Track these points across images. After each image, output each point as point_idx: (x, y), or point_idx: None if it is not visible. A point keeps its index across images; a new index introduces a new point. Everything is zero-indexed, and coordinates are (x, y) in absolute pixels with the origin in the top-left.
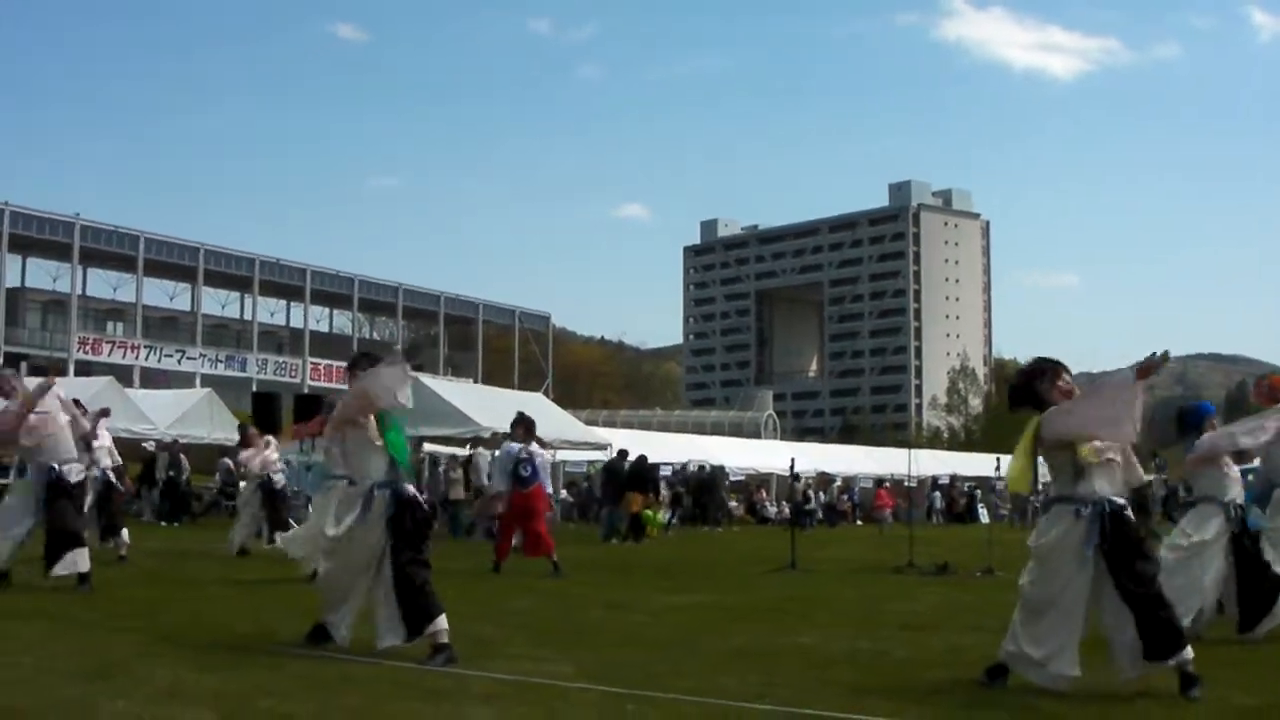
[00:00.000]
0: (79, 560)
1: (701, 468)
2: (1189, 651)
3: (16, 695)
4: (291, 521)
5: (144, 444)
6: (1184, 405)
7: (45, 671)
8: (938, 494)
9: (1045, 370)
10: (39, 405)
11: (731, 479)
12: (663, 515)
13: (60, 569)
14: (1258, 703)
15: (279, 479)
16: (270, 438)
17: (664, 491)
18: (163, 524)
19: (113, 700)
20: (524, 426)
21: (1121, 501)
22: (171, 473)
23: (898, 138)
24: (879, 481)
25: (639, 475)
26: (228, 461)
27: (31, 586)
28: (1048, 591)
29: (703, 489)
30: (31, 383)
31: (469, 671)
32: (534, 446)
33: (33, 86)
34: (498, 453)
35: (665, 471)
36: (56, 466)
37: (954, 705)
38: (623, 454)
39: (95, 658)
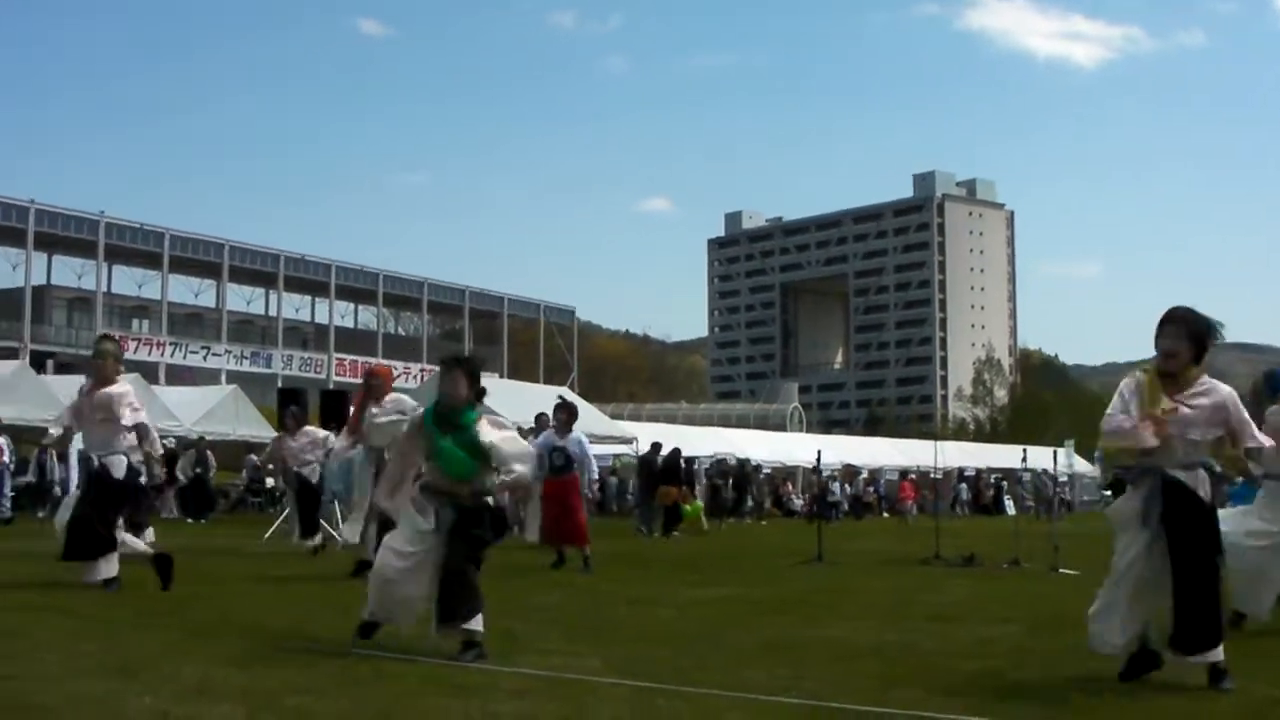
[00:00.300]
0: (104, 568)
1: (736, 461)
2: (1219, 652)
3: (43, 692)
4: (323, 521)
5: (165, 440)
6: (1272, 369)
7: (71, 669)
8: (963, 485)
9: None
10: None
11: (760, 471)
12: (699, 506)
13: (88, 576)
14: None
15: (314, 471)
16: (309, 428)
17: (702, 483)
18: (189, 520)
19: (139, 697)
20: (565, 413)
21: (1178, 476)
22: (198, 469)
23: (921, 128)
24: (903, 474)
25: (672, 468)
26: (254, 458)
27: (57, 583)
28: (1115, 559)
29: (743, 481)
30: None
31: (498, 667)
32: (573, 434)
33: (57, 84)
34: (536, 440)
35: (705, 464)
36: (95, 458)
37: (984, 697)
38: (656, 447)
39: (122, 655)
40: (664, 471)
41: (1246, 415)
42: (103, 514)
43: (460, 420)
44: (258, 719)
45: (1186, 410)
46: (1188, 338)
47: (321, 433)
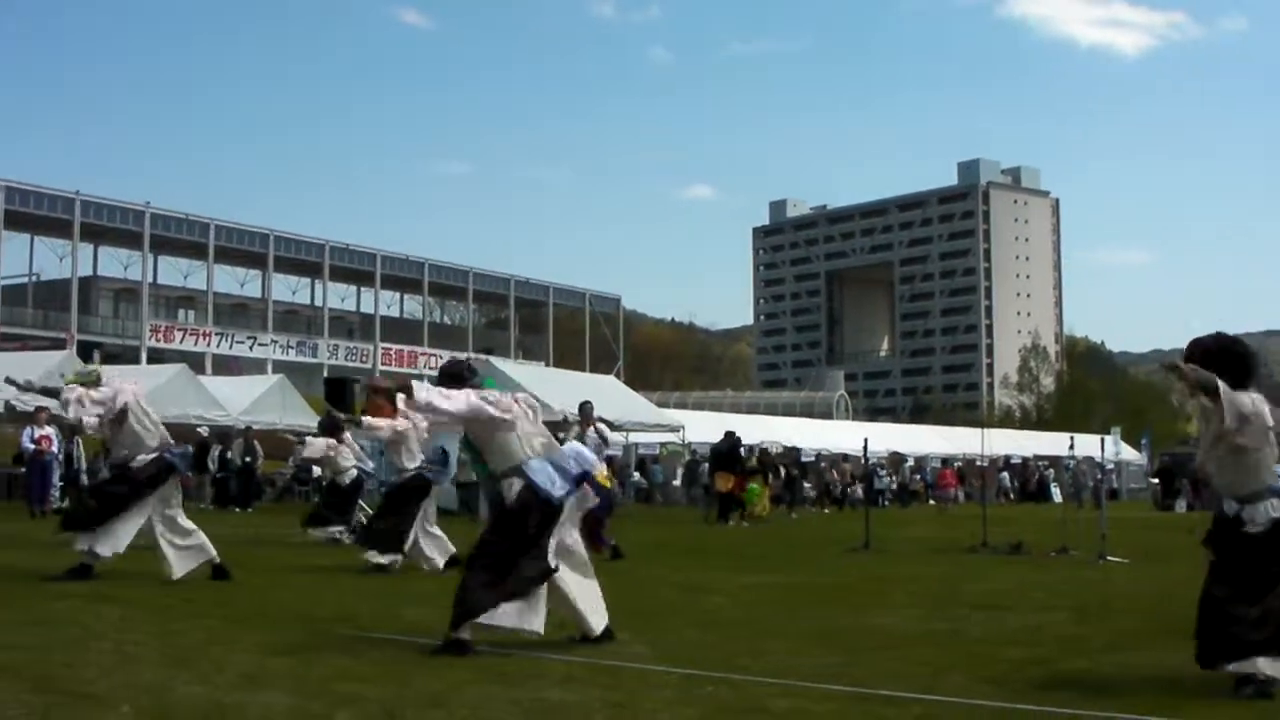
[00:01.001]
0: (85, 541)
1: (784, 449)
2: (1253, 664)
3: (96, 681)
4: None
5: (198, 429)
6: None
7: (122, 657)
8: (1005, 474)
9: None
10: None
11: (803, 460)
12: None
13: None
14: None
15: (346, 476)
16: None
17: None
18: (235, 510)
19: (190, 685)
20: (581, 416)
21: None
22: (246, 459)
23: (965, 116)
24: (945, 461)
25: (729, 455)
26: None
27: (107, 573)
28: None
29: (801, 470)
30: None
31: (547, 655)
32: (590, 434)
33: (102, 74)
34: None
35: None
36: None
37: (1031, 685)
38: (729, 435)
39: (172, 643)
40: (720, 458)
41: None
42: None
43: None
44: (308, 706)
45: None
46: None
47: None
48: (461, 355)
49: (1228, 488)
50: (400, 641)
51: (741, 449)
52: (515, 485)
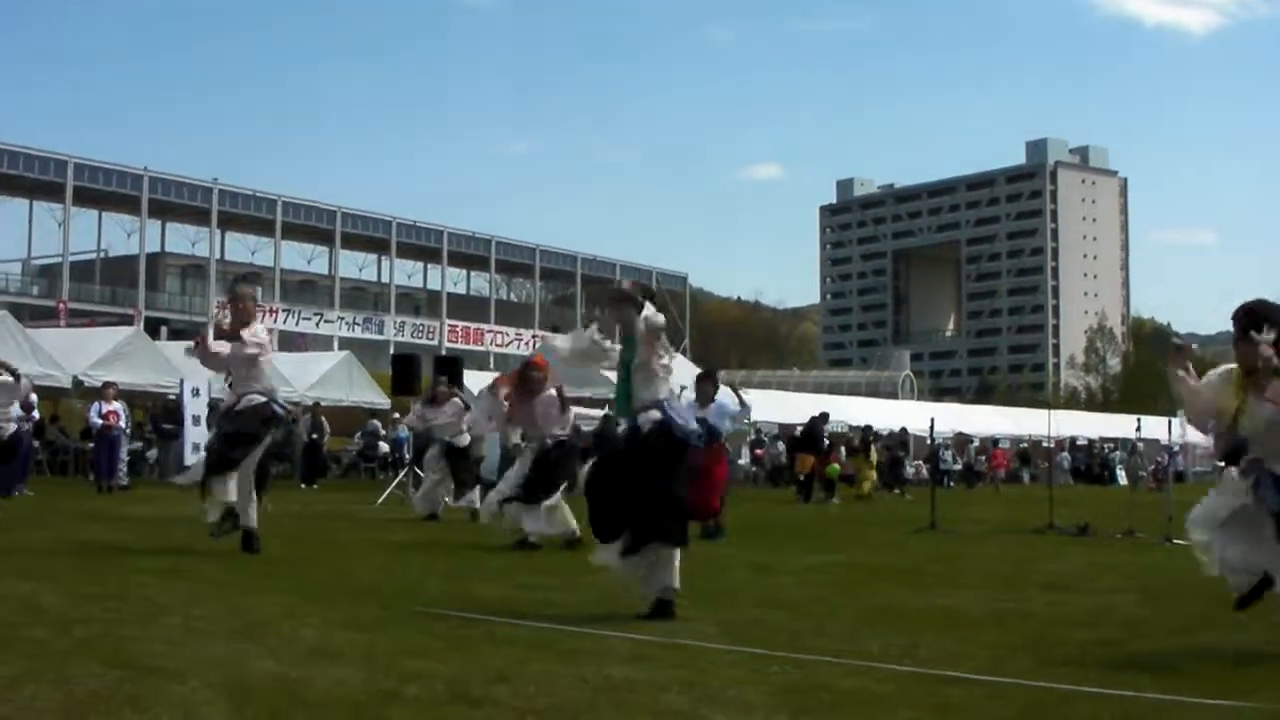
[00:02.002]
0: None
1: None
2: None
3: (166, 655)
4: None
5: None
6: None
7: (192, 632)
8: (1065, 455)
9: None
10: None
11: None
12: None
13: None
14: None
15: (463, 439)
16: (457, 398)
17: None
18: (302, 486)
19: (260, 660)
20: (708, 380)
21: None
22: (313, 435)
23: (1033, 94)
24: (995, 442)
25: (810, 436)
26: (376, 423)
27: (175, 548)
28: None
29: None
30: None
31: (611, 633)
32: (720, 398)
33: (169, 52)
34: None
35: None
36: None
37: (1099, 667)
38: (824, 416)
39: (241, 618)
40: (801, 439)
41: None
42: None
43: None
44: (377, 681)
45: None
46: None
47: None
48: (526, 331)
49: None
50: (468, 618)
51: (826, 429)
52: (653, 416)
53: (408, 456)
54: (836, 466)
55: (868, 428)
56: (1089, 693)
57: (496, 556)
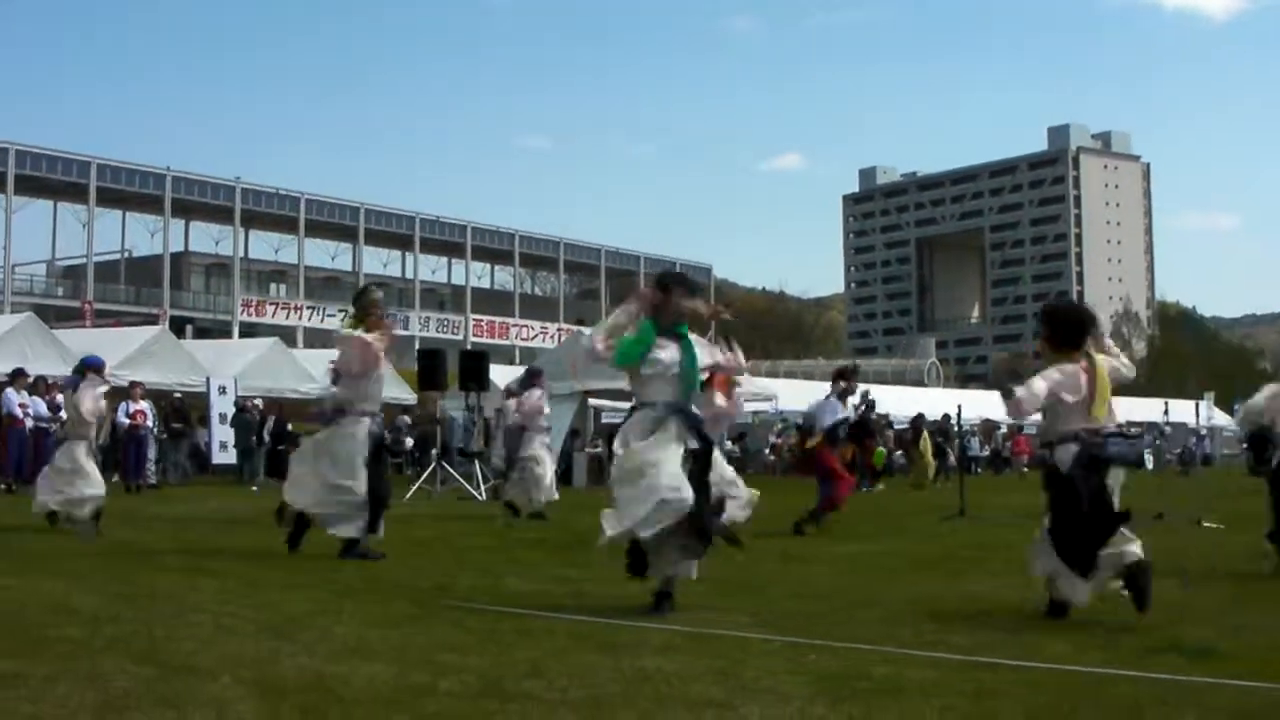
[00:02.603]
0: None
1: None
2: None
3: (199, 653)
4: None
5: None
6: None
7: (223, 629)
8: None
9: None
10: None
11: (896, 427)
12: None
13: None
14: None
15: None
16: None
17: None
18: None
19: (292, 657)
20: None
21: None
22: None
23: (1054, 80)
24: (1019, 428)
25: (860, 423)
26: (405, 419)
27: (204, 548)
28: None
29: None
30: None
31: (646, 624)
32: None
33: (192, 52)
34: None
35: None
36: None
37: (1134, 652)
38: (871, 404)
39: (273, 615)
40: (852, 426)
41: None
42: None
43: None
44: (411, 676)
45: None
46: None
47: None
48: (551, 325)
49: None
50: (500, 612)
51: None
52: None
53: (434, 451)
54: (883, 451)
55: (920, 416)
56: (1125, 675)
57: (531, 550)
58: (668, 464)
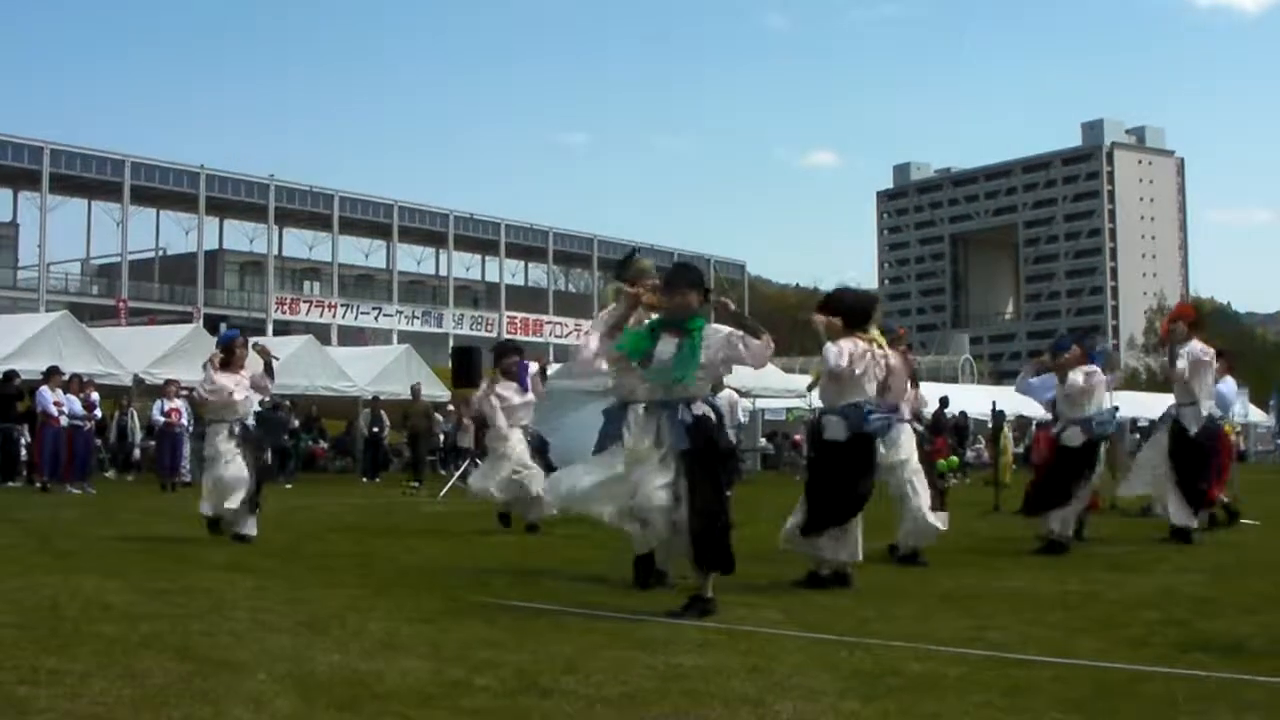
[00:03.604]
0: None
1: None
2: None
3: (234, 648)
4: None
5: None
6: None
7: (258, 625)
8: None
9: None
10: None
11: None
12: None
13: None
14: None
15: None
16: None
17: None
18: (364, 480)
19: (328, 653)
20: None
21: None
22: (374, 429)
23: (1088, 76)
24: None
25: (935, 425)
26: (439, 416)
27: (229, 545)
28: None
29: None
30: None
31: (681, 621)
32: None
33: (227, 51)
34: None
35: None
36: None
37: (1168, 647)
38: (944, 400)
39: (307, 610)
40: (930, 426)
41: None
42: None
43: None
44: (446, 672)
45: None
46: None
47: None
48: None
49: None
50: (536, 608)
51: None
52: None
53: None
54: (955, 460)
55: (1000, 413)
56: (1158, 672)
57: (567, 547)
58: (647, 478)
